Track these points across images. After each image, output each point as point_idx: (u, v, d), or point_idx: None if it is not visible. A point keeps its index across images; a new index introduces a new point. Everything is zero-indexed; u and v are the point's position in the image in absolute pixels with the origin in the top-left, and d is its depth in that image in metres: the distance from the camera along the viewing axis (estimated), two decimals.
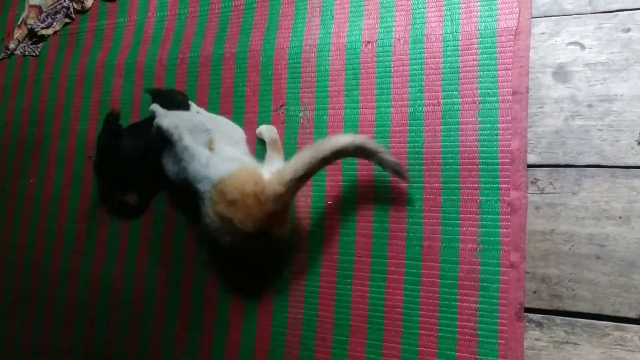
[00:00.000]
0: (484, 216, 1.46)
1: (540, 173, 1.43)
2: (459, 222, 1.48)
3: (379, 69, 1.65)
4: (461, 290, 1.44)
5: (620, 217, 1.35)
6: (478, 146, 1.49)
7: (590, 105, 1.42)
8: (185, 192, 1.58)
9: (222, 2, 1.94)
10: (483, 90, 1.52)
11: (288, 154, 1.67)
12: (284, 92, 1.75)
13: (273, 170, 1.48)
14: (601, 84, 1.42)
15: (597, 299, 1.34)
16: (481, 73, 1.53)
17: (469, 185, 1.48)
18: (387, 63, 1.64)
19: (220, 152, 1.55)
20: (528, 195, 1.43)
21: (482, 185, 1.47)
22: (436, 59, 1.59)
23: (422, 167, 1.54)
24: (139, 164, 1.76)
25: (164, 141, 1.63)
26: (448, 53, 1.58)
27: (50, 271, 1.96)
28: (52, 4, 2.22)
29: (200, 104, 1.83)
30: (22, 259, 2.02)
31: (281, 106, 1.74)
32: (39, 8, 2.23)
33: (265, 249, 1.55)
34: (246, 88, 1.80)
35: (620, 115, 1.39)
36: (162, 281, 1.78)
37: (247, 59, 1.83)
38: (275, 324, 1.62)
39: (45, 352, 1.91)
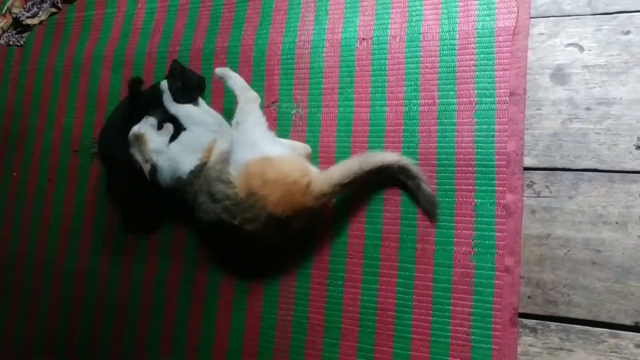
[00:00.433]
0: (479, 219, 1.44)
1: (536, 176, 1.41)
2: (453, 224, 1.45)
3: (374, 67, 1.62)
4: (455, 294, 1.42)
5: (617, 223, 1.33)
6: (474, 148, 1.47)
7: (588, 108, 1.40)
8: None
9: None
10: (480, 91, 1.49)
11: None
12: (277, 88, 1.72)
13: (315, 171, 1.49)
14: (600, 86, 1.40)
15: (593, 305, 1.32)
16: (478, 73, 1.51)
17: (464, 187, 1.46)
18: (382, 61, 1.61)
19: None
20: (524, 198, 1.41)
21: (477, 187, 1.45)
22: (432, 58, 1.56)
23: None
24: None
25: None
26: (444, 52, 1.55)
27: (34, 266, 1.92)
28: None
29: None
30: (5, 253, 1.98)
31: (273, 102, 1.70)
32: None
33: (275, 238, 1.50)
34: None
35: (619, 119, 1.37)
36: (148, 279, 1.74)
37: (238, 53, 1.79)
38: (263, 325, 1.59)
39: (28, 348, 1.87)
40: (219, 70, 1.61)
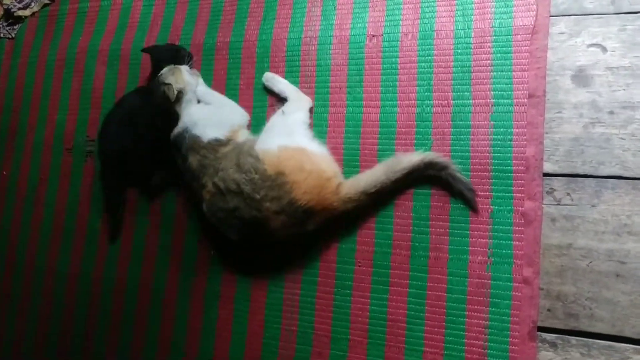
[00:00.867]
0: (496, 227, 1.37)
1: (557, 183, 1.35)
2: (468, 232, 1.39)
3: (385, 65, 1.54)
4: (469, 306, 1.36)
5: None
6: (490, 152, 1.40)
7: (611, 112, 1.33)
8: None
9: None
10: (497, 92, 1.42)
11: None
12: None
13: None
14: (624, 89, 1.33)
15: (616, 319, 1.26)
16: (495, 74, 1.44)
17: (479, 193, 1.39)
18: (393, 59, 1.54)
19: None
20: (543, 206, 1.34)
21: (494, 193, 1.39)
22: (446, 57, 1.49)
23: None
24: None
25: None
26: (459, 51, 1.48)
27: (24, 269, 1.84)
28: None
29: None
30: None
31: (278, 101, 1.62)
32: None
33: (285, 229, 1.41)
34: (240, 81, 1.69)
35: None
36: (145, 283, 1.67)
37: (241, 49, 1.71)
38: (267, 335, 1.52)
39: (18, 353, 1.79)
40: (267, 76, 1.62)
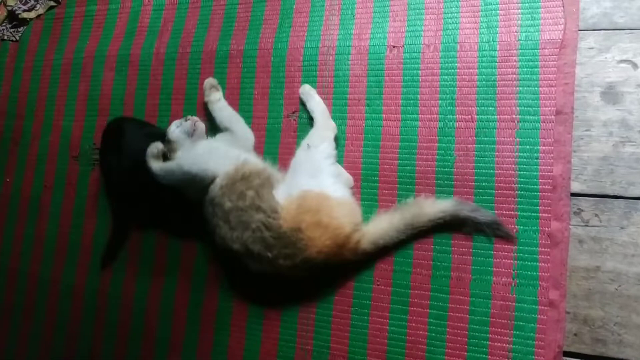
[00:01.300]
0: (521, 248, 1.33)
1: (585, 203, 1.30)
2: (492, 252, 1.35)
3: (405, 78, 1.50)
4: (493, 329, 1.31)
5: None
6: (516, 170, 1.36)
7: None
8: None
9: None
10: (523, 108, 1.38)
11: None
12: (297, 97, 1.59)
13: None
14: None
15: None
16: (521, 88, 1.39)
17: (504, 212, 1.35)
18: (414, 71, 1.49)
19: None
20: (571, 227, 1.30)
21: (519, 213, 1.34)
22: (470, 70, 1.45)
23: (452, 189, 1.40)
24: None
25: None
26: (484, 64, 1.44)
27: (27, 282, 1.78)
28: None
29: (201, 106, 1.66)
30: None
31: (293, 112, 1.58)
32: None
33: (300, 275, 1.38)
34: (254, 90, 1.64)
35: None
36: (153, 297, 1.62)
37: (255, 57, 1.66)
38: (280, 354, 1.48)
39: None
40: (304, 89, 1.55)
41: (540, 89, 1.38)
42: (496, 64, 1.43)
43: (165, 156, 1.48)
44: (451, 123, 1.43)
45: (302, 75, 1.60)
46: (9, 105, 1.94)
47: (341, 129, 1.53)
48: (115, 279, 1.67)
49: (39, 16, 2.00)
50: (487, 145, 1.39)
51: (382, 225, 1.37)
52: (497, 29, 1.45)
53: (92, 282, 1.70)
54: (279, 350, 1.48)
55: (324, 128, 1.46)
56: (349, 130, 1.52)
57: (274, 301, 1.50)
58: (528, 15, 1.43)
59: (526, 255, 1.32)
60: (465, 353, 1.33)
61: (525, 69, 1.40)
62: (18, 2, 2.00)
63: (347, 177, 1.46)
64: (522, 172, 1.35)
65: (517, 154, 1.37)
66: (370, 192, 1.46)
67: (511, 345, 1.30)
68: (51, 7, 1.99)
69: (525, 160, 1.36)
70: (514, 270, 1.32)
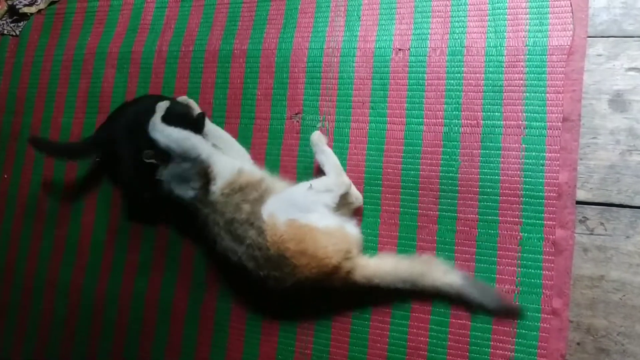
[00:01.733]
0: (525, 255, 1.32)
1: (590, 211, 1.29)
2: (495, 259, 1.34)
3: (411, 81, 1.49)
4: (495, 336, 1.31)
5: None
6: (521, 176, 1.35)
7: None
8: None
9: None
10: (529, 114, 1.37)
11: (303, 168, 1.52)
12: (301, 98, 1.58)
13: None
14: None
15: None
16: (528, 94, 1.38)
17: (509, 219, 1.34)
18: (420, 75, 1.48)
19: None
20: (575, 235, 1.29)
21: (523, 220, 1.33)
22: (477, 75, 1.43)
23: (457, 194, 1.39)
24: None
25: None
26: (490, 69, 1.43)
27: (24, 278, 1.76)
28: None
29: (203, 105, 1.65)
30: None
31: (296, 114, 1.56)
32: None
33: (284, 285, 1.35)
34: (257, 90, 1.62)
35: None
36: (151, 298, 1.60)
37: (259, 57, 1.64)
38: (279, 357, 1.47)
39: None
40: (315, 138, 1.45)
41: (548, 95, 1.37)
42: (503, 69, 1.42)
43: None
44: (456, 128, 1.42)
45: (306, 76, 1.58)
46: (7, 100, 1.92)
47: (345, 132, 1.51)
48: (113, 279, 1.65)
49: (39, 11, 1.97)
50: (492, 151, 1.38)
51: (385, 267, 1.32)
52: (505, 33, 1.44)
53: (90, 281, 1.68)
54: (277, 354, 1.46)
55: (334, 183, 1.37)
56: (352, 133, 1.51)
57: (273, 304, 1.49)
58: (536, 21, 1.42)
59: (530, 262, 1.31)
60: None
61: (533, 75, 1.39)
62: None
63: (356, 195, 1.43)
64: (527, 179, 1.34)
65: (522, 160, 1.35)
66: (374, 196, 1.45)
67: (513, 354, 1.29)
68: (52, 2, 1.97)
69: (530, 167, 1.34)
70: (517, 278, 1.31)
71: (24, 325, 1.73)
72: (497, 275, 1.32)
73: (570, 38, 1.38)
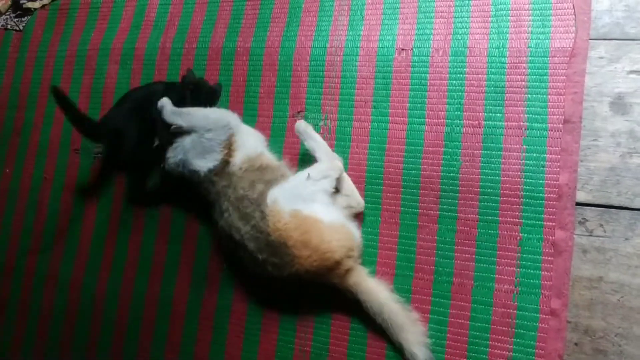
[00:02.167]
0: (524, 256, 1.33)
1: (590, 213, 1.30)
2: (495, 259, 1.34)
3: (413, 81, 1.49)
4: (493, 336, 1.31)
5: None
6: (522, 177, 1.36)
7: None
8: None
9: None
10: (530, 116, 1.38)
11: (305, 166, 1.49)
12: (303, 97, 1.58)
13: None
14: None
15: None
16: (529, 96, 1.39)
17: (509, 219, 1.35)
18: (422, 75, 1.49)
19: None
20: (575, 236, 1.30)
21: (523, 221, 1.34)
22: (479, 76, 1.44)
23: (457, 194, 1.40)
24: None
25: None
26: (493, 70, 1.43)
27: (24, 275, 1.75)
28: None
29: None
30: None
31: (299, 112, 1.57)
32: None
33: (286, 283, 1.38)
34: (260, 88, 1.63)
35: None
36: (151, 294, 1.60)
37: (262, 55, 1.65)
38: (278, 354, 1.47)
39: None
40: (301, 127, 1.46)
41: (549, 97, 1.37)
42: (505, 70, 1.42)
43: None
44: (458, 128, 1.43)
45: (308, 74, 1.59)
46: (10, 95, 1.92)
47: (347, 131, 1.52)
48: (113, 276, 1.65)
49: (43, 6, 1.98)
50: (493, 152, 1.39)
51: (378, 294, 1.32)
52: (508, 35, 1.44)
53: (90, 277, 1.68)
54: (277, 351, 1.46)
55: (328, 167, 1.39)
56: (354, 132, 1.51)
57: (273, 301, 1.49)
58: (539, 23, 1.43)
59: (529, 263, 1.32)
60: (465, 359, 1.32)
61: (535, 77, 1.40)
62: None
63: (358, 200, 1.43)
64: (528, 180, 1.35)
65: (523, 161, 1.36)
66: (375, 195, 1.45)
67: (511, 353, 1.29)
68: None
69: (531, 168, 1.35)
70: (516, 278, 1.32)
71: (24, 322, 1.72)
72: (497, 275, 1.33)
73: (573, 40, 1.38)
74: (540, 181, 1.34)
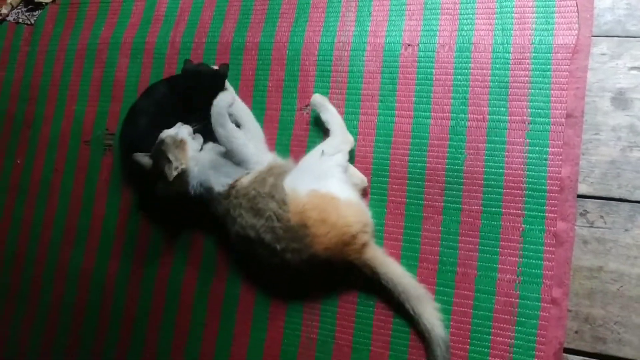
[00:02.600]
0: (526, 246, 1.36)
1: (591, 205, 1.34)
2: (498, 250, 1.37)
3: (419, 76, 1.53)
4: (495, 324, 1.34)
5: None
6: (525, 170, 1.39)
7: None
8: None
9: None
10: (534, 110, 1.41)
11: None
12: (311, 91, 1.61)
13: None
14: None
15: None
16: (533, 91, 1.42)
17: (512, 211, 1.38)
18: (428, 70, 1.52)
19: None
20: (576, 227, 1.33)
21: (526, 212, 1.37)
22: (483, 71, 1.47)
23: (462, 187, 1.43)
24: None
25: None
26: (497, 65, 1.47)
27: (34, 265, 1.78)
28: None
29: None
30: (2, 247, 1.84)
31: (306, 106, 1.60)
32: None
33: (304, 270, 1.39)
34: (268, 82, 1.66)
35: None
36: (160, 284, 1.63)
37: (271, 50, 1.68)
38: (285, 342, 1.50)
39: (23, 354, 1.74)
40: (318, 99, 1.52)
41: (552, 92, 1.41)
42: (509, 65, 1.46)
43: None
44: (463, 122, 1.46)
45: (316, 69, 1.62)
46: (21, 88, 1.95)
47: (354, 124, 1.55)
48: (122, 265, 1.68)
49: (54, 0, 2.01)
50: (497, 145, 1.42)
51: (395, 268, 1.36)
52: (512, 31, 1.48)
53: (100, 267, 1.71)
54: (284, 338, 1.49)
55: (341, 141, 1.45)
56: (361, 125, 1.54)
57: (280, 290, 1.52)
58: (543, 20, 1.46)
59: (531, 253, 1.35)
60: (468, 347, 1.35)
61: (538, 72, 1.43)
62: None
63: (360, 177, 1.47)
64: (530, 173, 1.38)
65: (526, 154, 1.39)
66: (381, 186, 1.49)
67: (513, 340, 1.32)
68: None
69: (534, 161, 1.39)
70: (518, 268, 1.35)
71: (34, 311, 1.75)
72: (499, 265, 1.36)
73: (575, 37, 1.42)
74: (543, 174, 1.37)
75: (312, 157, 1.42)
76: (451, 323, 1.37)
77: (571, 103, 1.38)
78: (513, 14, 1.49)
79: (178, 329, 1.59)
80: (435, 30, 1.54)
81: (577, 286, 1.31)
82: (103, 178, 1.77)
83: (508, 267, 1.36)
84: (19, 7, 2.04)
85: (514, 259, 1.36)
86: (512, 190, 1.39)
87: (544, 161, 1.38)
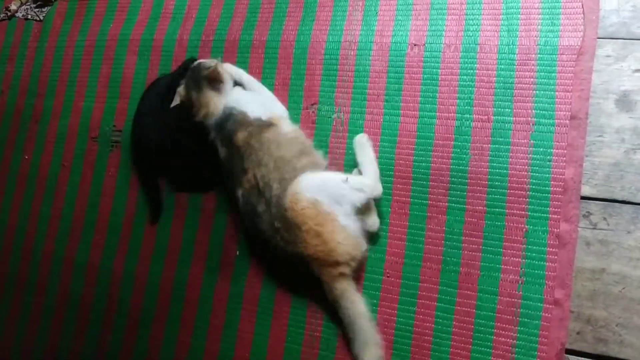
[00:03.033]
0: (529, 247, 1.36)
1: (594, 207, 1.34)
2: (501, 250, 1.38)
3: (425, 76, 1.53)
4: (498, 324, 1.35)
5: None
6: (529, 171, 1.39)
7: None
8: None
9: None
10: (538, 111, 1.42)
11: None
12: (317, 89, 1.62)
13: None
14: None
15: None
16: (537, 92, 1.43)
17: (515, 212, 1.39)
18: (434, 70, 1.53)
19: None
20: (579, 229, 1.34)
21: (529, 213, 1.38)
22: (489, 72, 1.48)
23: (466, 187, 1.44)
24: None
25: None
26: (502, 66, 1.47)
27: (41, 259, 1.81)
28: None
29: None
30: (10, 242, 1.86)
31: (312, 105, 1.61)
32: None
33: (286, 249, 1.40)
34: (275, 81, 1.67)
35: None
36: (166, 280, 1.65)
37: (277, 49, 1.69)
38: (289, 340, 1.51)
39: (29, 349, 1.76)
40: (363, 139, 1.47)
41: (557, 93, 1.41)
42: (515, 66, 1.46)
43: None
44: (468, 122, 1.47)
45: (323, 68, 1.63)
46: (30, 83, 1.97)
47: (359, 124, 1.56)
48: (129, 260, 1.70)
49: None
50: (501, 146, 1.43)
51: (357, 306, 1.36)
52: (518, 32, 1.48)
53: (106, 262, 1.73)
54: (287, 336, 1.50)
55: (369, 185, 1.38)
56: (366, 124, 1.55)
57: (285, 287, 1.53)
58: (548, 21, 1.46)
59: (534, 254, 1.35)
60: (470, 346, 1.36)
61: (543, 73, 1.43)
62: None
63: (374, 219, 1.45)
64: (534, 174, 1.39)
65: (530, 155, 1.40)
66: (385, 186, 1.48)
67: (515, 341, 1.33)
68: None
69: (538, 162, 1.39)
70: (521, 269, 1.36)
71: (41, 304, 1.78)
72: (502, 266, 1.37)
73: (581, 39, 1.42)
74: (547, 175, 1.38)
75: (334, 178, 1.38)
76: (454, 323, 1.38)
77: (575, 105, 1.39)
78: (519, 15, 1.49)
79: (183, 325, 1.60)
80: (442, 31, 1.55)
81: (579, 287, 1.32)
82: (110, 174, 1.79)
83: (511, 267, 1.37)
84: (28, 4, 2.06)
85: (517, 259, 1.36)
86: (516, 191, 1.39)
87: (548, 162, 1.38)
